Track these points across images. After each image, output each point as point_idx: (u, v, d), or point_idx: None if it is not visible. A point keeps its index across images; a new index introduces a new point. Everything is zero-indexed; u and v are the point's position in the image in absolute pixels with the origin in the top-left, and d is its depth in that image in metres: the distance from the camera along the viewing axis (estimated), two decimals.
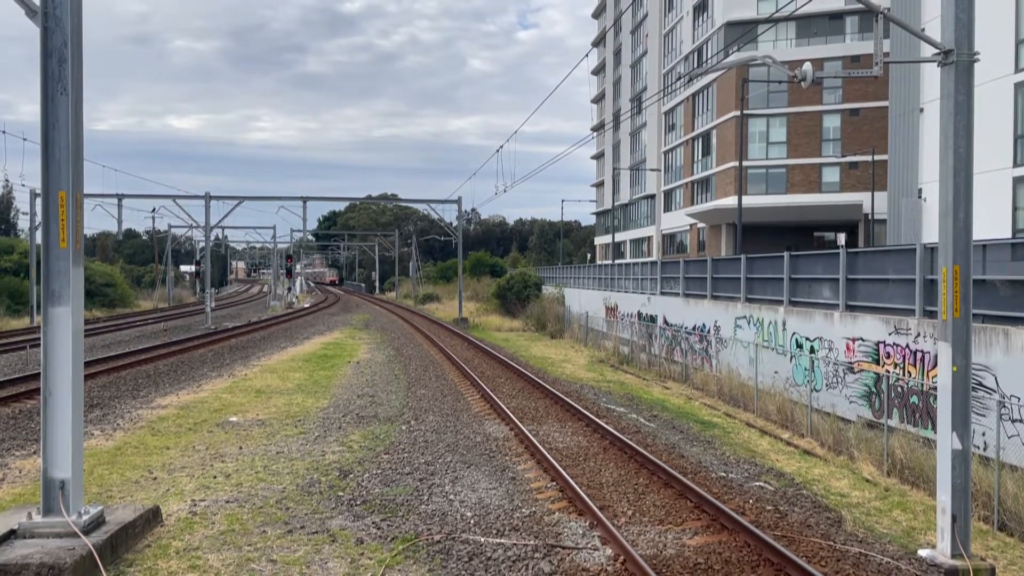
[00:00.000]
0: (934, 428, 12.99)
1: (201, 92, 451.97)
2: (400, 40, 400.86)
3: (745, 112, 43.73)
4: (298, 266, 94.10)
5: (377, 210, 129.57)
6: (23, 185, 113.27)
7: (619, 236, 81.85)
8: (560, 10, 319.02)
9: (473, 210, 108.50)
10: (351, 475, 11.66)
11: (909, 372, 15.04)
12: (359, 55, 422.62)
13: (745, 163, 45.99)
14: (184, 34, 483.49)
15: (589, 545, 8.84)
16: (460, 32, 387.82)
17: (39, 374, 8.50)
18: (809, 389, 17.23)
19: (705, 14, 61.27)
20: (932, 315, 14.63)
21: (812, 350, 18.60)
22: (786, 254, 20.70)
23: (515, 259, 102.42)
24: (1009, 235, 25.77)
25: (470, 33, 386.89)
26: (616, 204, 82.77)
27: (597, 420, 15.53)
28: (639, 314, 31.72)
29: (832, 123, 52.99)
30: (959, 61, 8.74)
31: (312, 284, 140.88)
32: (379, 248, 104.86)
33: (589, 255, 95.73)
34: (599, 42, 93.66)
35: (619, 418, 16.88)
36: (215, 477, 11.47)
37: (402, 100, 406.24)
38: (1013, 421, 12.17)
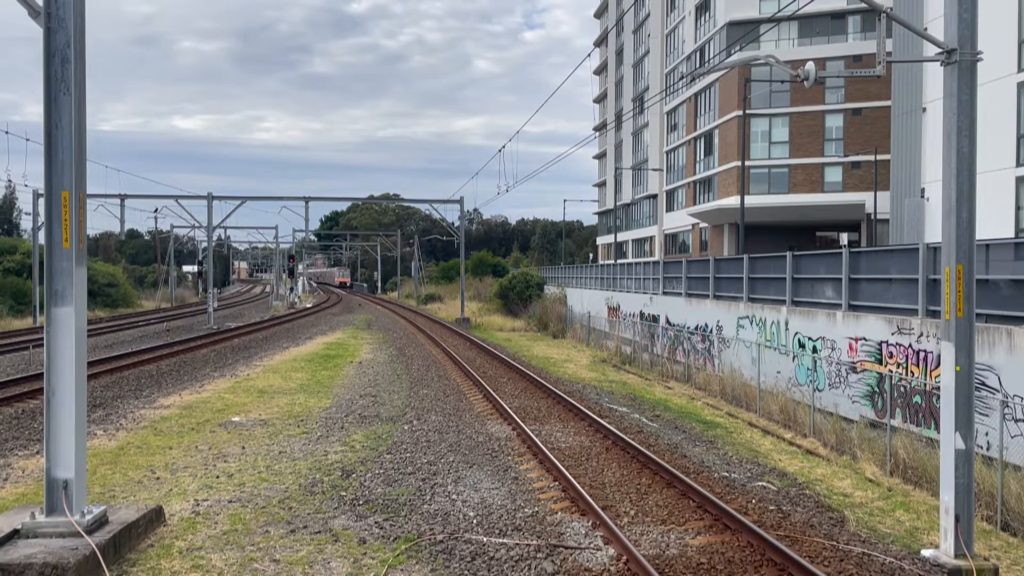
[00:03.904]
0: (937, 428, 13.00)
1: (207, 93, 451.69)
2: (406, 41, 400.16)
3: (747, 112, 43.71)
4: (300, 266, 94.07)
5: (379, 210, 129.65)
6: (26, 185, 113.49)
7: (621, 236, 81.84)
8: (566, 10, 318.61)
9: (475, 210, 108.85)
10: (354, 475, 11.67)
11: (912, 372, 15.03)
12: (365, 56, 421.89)
13: (747, 163, 45.97)
14: (190, 35, 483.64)
15: (592, 545, 8.84)
16: (466, 32, 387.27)
17: (42, 374, 8.50)
18: (812, 389, 17.21)
19: (707, 14, 61.24)
20: (935, 315, 14.62)
21: (815, 350, 18.58)
22: (788, 254, 20.68)
23: (517, 259, 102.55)
24: (1012, 235, 25.74)
25: (476, 33, 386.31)
26: (618, 204, 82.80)
27: (599, 420, 15.52)
28: (641, 314, 31.71)
29: (834, 123, 52.90)
30: (962, 60, 8.72)
31: (315, 284, 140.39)
32: (381, 248, 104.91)
33: (591, 255, 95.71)
34: (601, 42, 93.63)
35: (621, 418, 16.87)
36: (218, 477, 11.49)
37: (407, 100, 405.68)
38: (1016, 421, 12.15)
